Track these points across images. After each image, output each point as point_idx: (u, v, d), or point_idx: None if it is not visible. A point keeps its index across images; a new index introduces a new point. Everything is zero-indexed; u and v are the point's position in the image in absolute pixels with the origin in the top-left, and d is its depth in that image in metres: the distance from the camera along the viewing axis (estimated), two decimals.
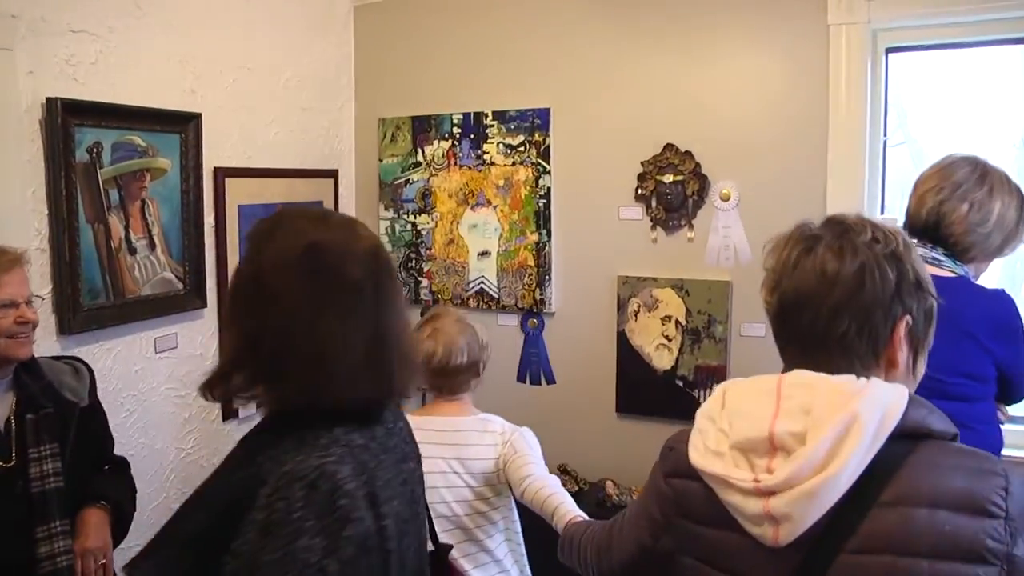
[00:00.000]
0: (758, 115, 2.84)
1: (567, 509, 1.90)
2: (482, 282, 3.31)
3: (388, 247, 3.46)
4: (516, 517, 2.25)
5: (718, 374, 2.94)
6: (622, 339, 3.07)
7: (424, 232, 3.39)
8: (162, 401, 2.69)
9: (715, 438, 1.10)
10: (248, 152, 2.96)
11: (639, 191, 3.01)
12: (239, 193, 2.90)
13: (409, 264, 3.44)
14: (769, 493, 1.01)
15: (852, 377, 1.06)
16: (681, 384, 3.00)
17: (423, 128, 3.35)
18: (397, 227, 3.44)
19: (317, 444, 1.11)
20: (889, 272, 1.07)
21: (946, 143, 2.76)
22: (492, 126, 3.22)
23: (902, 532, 0.98)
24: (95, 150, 2.39)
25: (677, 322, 2.98)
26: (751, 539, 1.05)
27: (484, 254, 3.29)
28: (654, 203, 3.00)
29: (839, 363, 1.09)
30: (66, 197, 2.29)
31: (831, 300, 1.07)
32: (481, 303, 3.31)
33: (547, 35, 3.13)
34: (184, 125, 2.67)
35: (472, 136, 3.26)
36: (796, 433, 1.02)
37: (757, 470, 1.04)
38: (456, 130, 3.29)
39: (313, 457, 1.08)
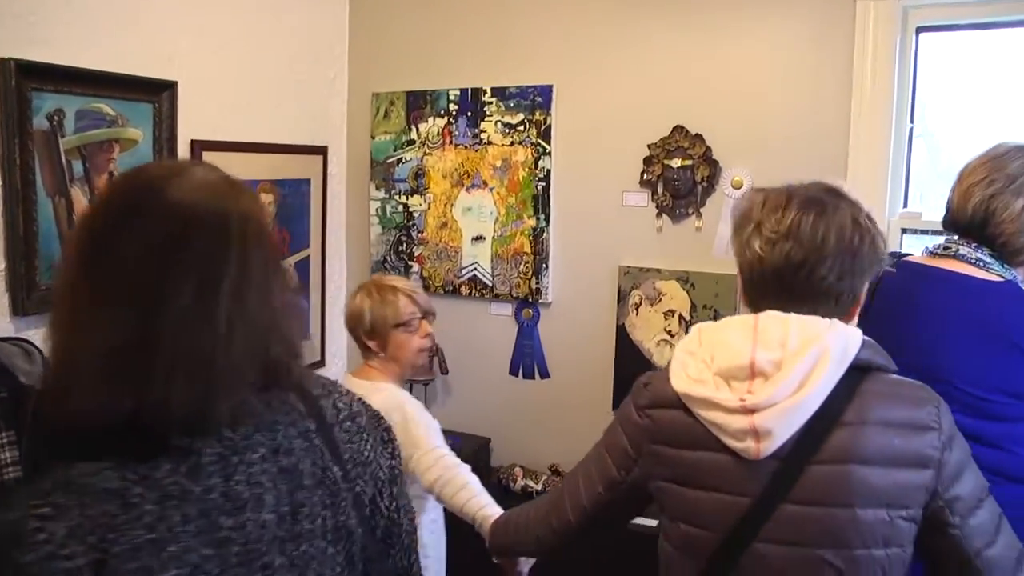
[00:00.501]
0: (775, 97, 2.64)
1: (491, 511, 1.89)
2: (475, 269, 3.13)
3: (378, 229, 3.28)
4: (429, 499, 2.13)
5: None
6: (622, 333, 2.89)
7: (416, 214, 3.21)
8: None
9: (696, 368, 1.22)
10: (230, 125, 2.77)
11: (645, 176, 2.82)
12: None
13: (400, 248, 3.26)
14: (752, 410, 1.14)
15: (818, 317, 1.21)
16: None
17: (418, 104, 3.16)
18: (388, 208, 3.26)
19: (38, 488, 0.83)
20: (880, 242, 1.25)
21: (969, 136, 2.57)
22: (490, 103, 3.03)
23: (861, 444, 1.15)
24: (56, 117, 2.22)
25: (681, 317, 2.80)
26: (729, 455, 1.18)
27: (478, 239, 3.11)
28: (660, 189, 2.81)
29: (815, 311, 1.22)
30: (20, 166, 2.12)
31: (840, 265, 1.20)
32: (474, 291, 3.13)
33: (551, 6, 2.93)
34: (158, 94, 2.49)
35: (469, 114, 3.07)
36: (774, 361, 1.16)
37: (738, 392, 1.17)
38: (452, 107, 3.10)
39: (19, 506, 0.81)
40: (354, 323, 2.23)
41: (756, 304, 1.28)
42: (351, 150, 3.33)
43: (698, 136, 2.73)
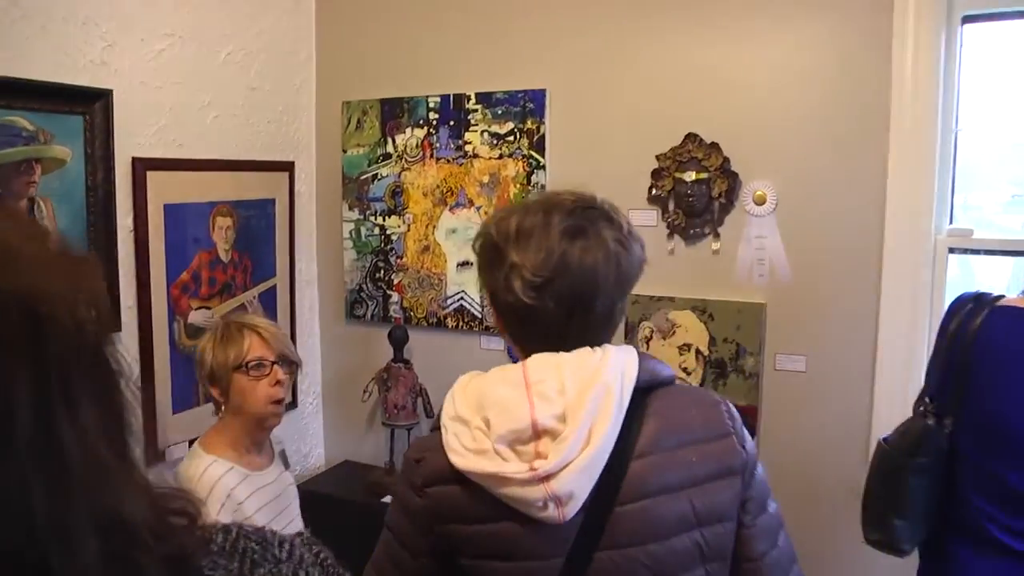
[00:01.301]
0: (803, 98, 2.31)
1: None
2: (462, 298, 2.78)
3: (353, 255, 2.93)
4: None
5: (747, 417, 2.42)
6: None
7: (394, 237, 2.86)
8: None
9: (472, 437, 1.10)
10: (179, 140, 2.42)
11: (653, 191, 2.49)
12: (166, 190, 2.36)
13: (376, 275, 2.90)
14: (547, 477, 1.04)
15: (587, 348, 1.12)
16: None
17: (394, 113, 2.81)
18: (363, 230, 2.90)
19: None
20: (638, 249, 1.19)
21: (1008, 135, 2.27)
22: (475, 111, 2.69)
23: (657, 476, 1.09)
24: None
25: (698, 352, 2.46)
26: (528, 523, 1.08)
27: (465, 264, 2.76)
28: (672, 206, 2.48)
29: (585, 343, 1.13)
30: None
31: (612, 290, 1.12)
32: (461, 323, 2.79)
33: (543, 1, 2.60)
34: (89, 104, 2.13)
35: (451, 123, 2.73)
36: (556, 415, 1.07)
37: (526, 458, 1.07)
38: (432, 116, 2.76)
39: None
40: (197, 368, 1.92)
41: (523, 346, 1.18)
42: (320, 166, 2.97)
43: (714, 145, 2.40)
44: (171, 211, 2.38)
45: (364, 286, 2.92)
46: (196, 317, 2.50)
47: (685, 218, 2.46)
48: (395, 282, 2.88)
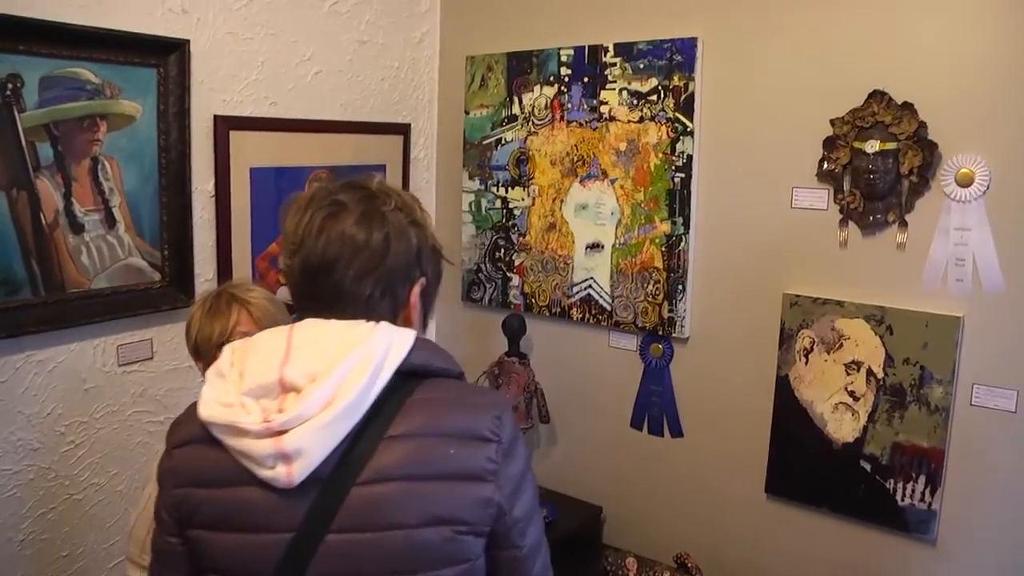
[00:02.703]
0: None
1: None
2: (590, 286, 2.38)
3: (472, 229, 2.60)
4: None
5: (931, 461, 1.87)
6: (783, 388, 2.05)
7: (517, 212, 2.50)
8: (128, 429, 2.00)
9: (224, 390, 1.06)
10: (271, 97, 2.18)
11: (825, 165, 1.96)
12: (253, 152, 2.13)
13: (496, 254, 2.56)
14: (280, 432, 0.99)
15: (362, 321, 1.08)
16: (868, 468, 1.95)
17: (521, 69, 2.44)
18: (484, 203, 2.56)
19: None
20: (412, 239, 1.12)
21: None
22: (613, 65, 2.26)
23: (413, 459, 1.02)
24: (10, 85, 1.69)
25: (870, 373, 1.92)
26: (263, 490, 1.02)
27: (595, 247, 2.35)
28: (847, 185, 1.94)
29: (351, 316, 1.09)
30: None
31: (357, 266, 1.08)
32: (588, 315, 2.39)
33: None
34: (162, 56, 1.92)
35: (586, 79, 2.32)
36: (308, 373, 1.02)
37: (267, 412, 1.02)
38: (564, 71, 2.35)
39: None
40: (185, 339, 1.70)
41: (302, 315, 1.12)
42: (440, 129, 2.66)
43: (907, 107, 1.84)
44: (259, 175, 2.15)
45: (483, 266, 2.59)
46: (286, 293, 2.26)
47: (863, 200, 1.91)
48: (516, 263, 2.52)
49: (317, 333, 1.06)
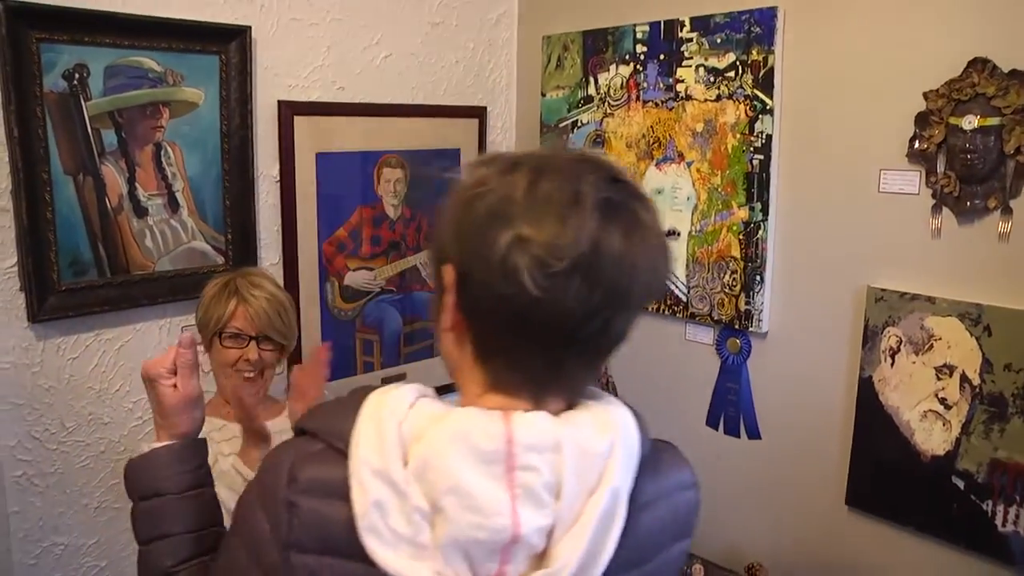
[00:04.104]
0: None
1: None
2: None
3: None
4: None
5: None
6: (866, 390, 1.86)
7: None
8: None
9: (406, 519, 0.73)
10: (339, 82, 2.18)
11: (916, 144, 1.75)
12: (319, 137, 2.14)
13: None
14: None
15: (588, 414, 0.79)
16: (961, 485, 1.73)
17: (597, 47, 2.33)
18: None
19: None
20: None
21: None
22: (689, 40, 2.12)
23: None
24: (77, 75, 1.77)
25: (964, 378, 1.71)
26: None
27: (671, 234, 2.22)
28: (941, 166, 1.73)
29: (576, 384, 0.81)
30: (21, 139, 1.69)
31: (636, 305, 0.78)
32: (663, 306, 2.26)
33: None
34: (224, 43, 1.95)
35: (661, 56, 2.18)
36: (543, 528, 0.73)
37: None
38: (640, 49, 2.23)
39: None
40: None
41: (485, 380, 0.79)
42: (518, 111, 2.59)
43: (1015, 75, 1.60)
44: (325, 160, 2.16)
45: None
46: (355, 278, 2.28)
47: (960, 184, 1.70)
48: None
49: (549, 447, 0.75)
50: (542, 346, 0.76)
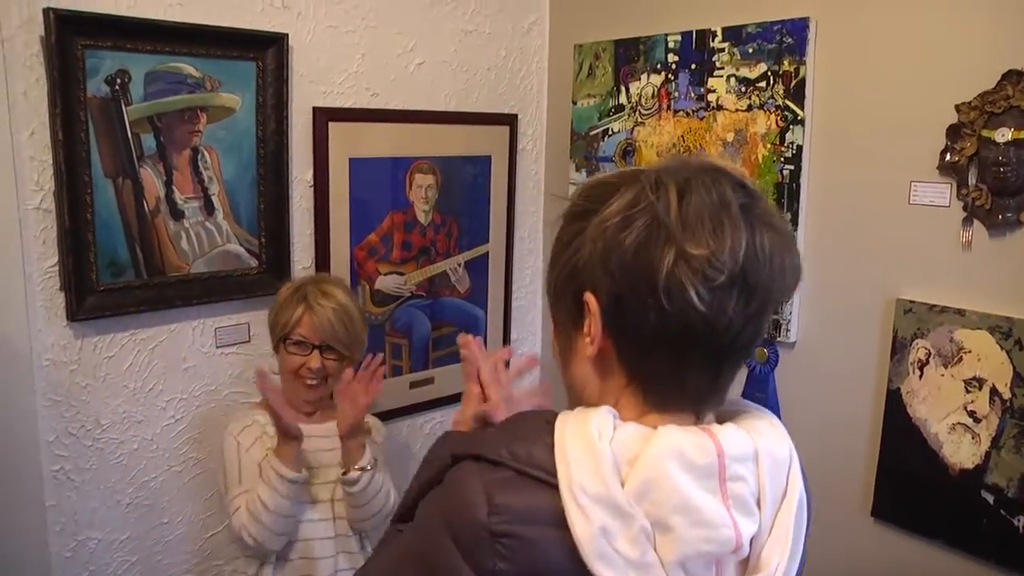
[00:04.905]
0: None
1: None
2: None
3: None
4: None
5: None
6: (894, 402, 1.85)
7: None
8: (224, 408, 2.09)
9: (632, 543, 0.72)
10: (373, 89, 2.21)
11: (948, 156, 1.74)
12: (353, 143, 2.18)
13: None
14: None
15: (765, 426, 0.81)
16: (991, 500, 1.72)
17: (628, 56, 2.34)
18: None
19: None
20: None
21: None
22: (721, 51, 2.12)
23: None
24: (119, 80, 1.81)
25: (994, 392, 1.70)
26: None
27: None
28: (973, 178, 1.72)
29: (724, 394, 0.83)
30: (65, 142, 1.74)
31: (776, 300, 0.78)
32: None
33: None
34: (261, 50, 1.99)
35: (693, 66, 2.19)
36: (752, 535, 0.76)
37: None
38: (672, 58, 2.23)
39: None
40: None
41: (647, 384, 0.80)
42: (549, 119, 2.61)
43: None
44: (358, 166, 2.19)
45: None
46: (386, 283, 2.30)
47: (991, 196, 1.69)
48: None
49: (749, 456, 0.78)
50: (704, 360, 0.78)
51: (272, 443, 1.76)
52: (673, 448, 0.74)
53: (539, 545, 0.74)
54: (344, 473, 1.76)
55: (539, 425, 0.80)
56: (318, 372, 1.79)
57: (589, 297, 0.79)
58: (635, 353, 0.80)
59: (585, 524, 0.72)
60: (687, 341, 0.76)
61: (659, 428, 0.76)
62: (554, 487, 0.75)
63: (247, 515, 1.69)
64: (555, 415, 0.81)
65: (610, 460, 0.74)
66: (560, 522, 0.73)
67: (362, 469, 1.75)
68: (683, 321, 0.74)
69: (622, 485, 0.73)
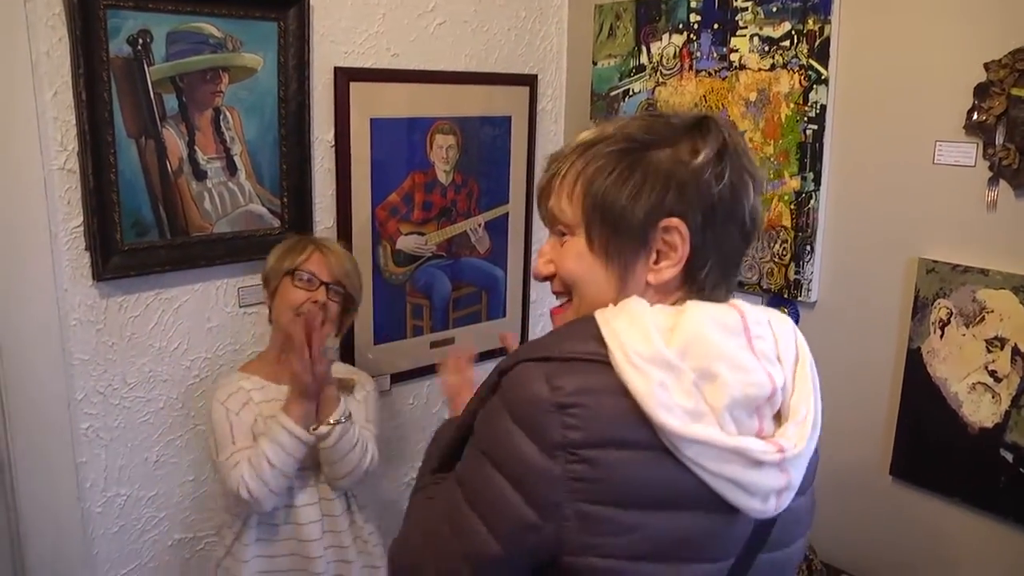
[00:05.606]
0: None
1: None
2: None
3: None
4: None
5: None
6: (915, 362, 1.86)
7: None
8: None
9: (686, 394, 0.82)
10: (394, 49, 2.20)
11: (975, 116, 1.73)
12: (374, 103, 2.17)
13: None
14: (784, 459, 0.85)
15: (763, 306, 0.97)
16: (1009, 458, 1.73)
17: (650, 16, 2.32)
18: None
19: None
20: None
21: None
22: (745, 10, 2.10)
23: (810, 468, 0.93)
24: (141, 40, 1.81)
25: (1016, 351, 1.70)
26: (720, 514, 0.85)
27: None
28: (1000, 138, 1.70)
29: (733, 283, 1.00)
30: (88, 103, 1.74)
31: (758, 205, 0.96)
32: None
33: None
34: (283, 10, 1.98)
35: (716, 26, 2.17)
36: (783, 386, 0.88)
37: (764, 435, 0.86)
38: (694, 18, 2.21)
39: None
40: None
41: (687, 297, 0.93)
42: (569, 80, 2.59)
43: None
44: (379, 126, 2.19)
45: None
46: (407, 243, 2.31)
47: (1019, 156, 1.67)
48: None
49: (764, 322, 0.91)
50: (740, 267, 0.99)
51: (259, 409, 1.78)
52: (705, 314, 0.87)
53: (604, 410, 0.82)
54: (314, 429, 1.72)
55: (581, 325, 0.89)
56: (328, 309, 1.78)
57: (679, 223, 0.91)
58: (699, 268, 0.93)
59: (644, 382, 0.81)
60: (742, 254, 0.97)
61: (688, 304, 0.89)
62: (608, 365, 0.83)
63: (248, 469, 1.67)
64: (592, 317, 0.89)
65: (654, 327, 0.84)
66: (619, 390, 0.82)
67: (336, 423, 1.72)
68: (744, 232, 0.95)
69: (673, 350, 0.84)
